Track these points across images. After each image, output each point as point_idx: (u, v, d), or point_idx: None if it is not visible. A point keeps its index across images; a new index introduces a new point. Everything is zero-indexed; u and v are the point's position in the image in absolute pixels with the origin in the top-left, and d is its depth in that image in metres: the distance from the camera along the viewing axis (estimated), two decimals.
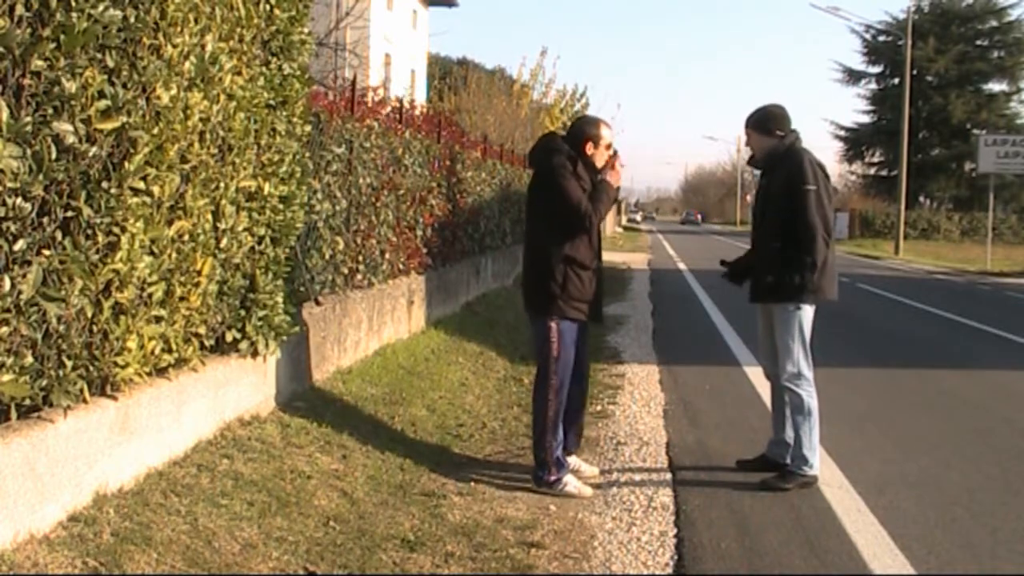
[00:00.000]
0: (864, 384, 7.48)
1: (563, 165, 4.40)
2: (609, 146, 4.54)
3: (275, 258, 4.61)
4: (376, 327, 6.90)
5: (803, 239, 4.51)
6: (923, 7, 46.53)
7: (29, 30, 2.68)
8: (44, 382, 2.93)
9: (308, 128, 4.94)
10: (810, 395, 4.62)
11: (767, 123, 4.76)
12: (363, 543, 3.54)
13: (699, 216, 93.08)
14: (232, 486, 3.72)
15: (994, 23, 46.73)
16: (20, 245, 2.71)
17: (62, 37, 2.77)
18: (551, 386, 4.44)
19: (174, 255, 3.62)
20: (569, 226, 4.37)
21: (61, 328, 2.96)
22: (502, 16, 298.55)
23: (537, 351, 4.57)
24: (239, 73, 4.10)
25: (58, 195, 2.88)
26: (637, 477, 4.76)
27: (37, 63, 2.72)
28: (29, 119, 2.66)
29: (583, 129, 4.55)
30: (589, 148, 4.48)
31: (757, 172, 5.01)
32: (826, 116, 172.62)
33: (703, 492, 4.50)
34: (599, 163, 4.52)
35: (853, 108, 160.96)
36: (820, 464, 4.64)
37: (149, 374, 3.54)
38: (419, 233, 8.05)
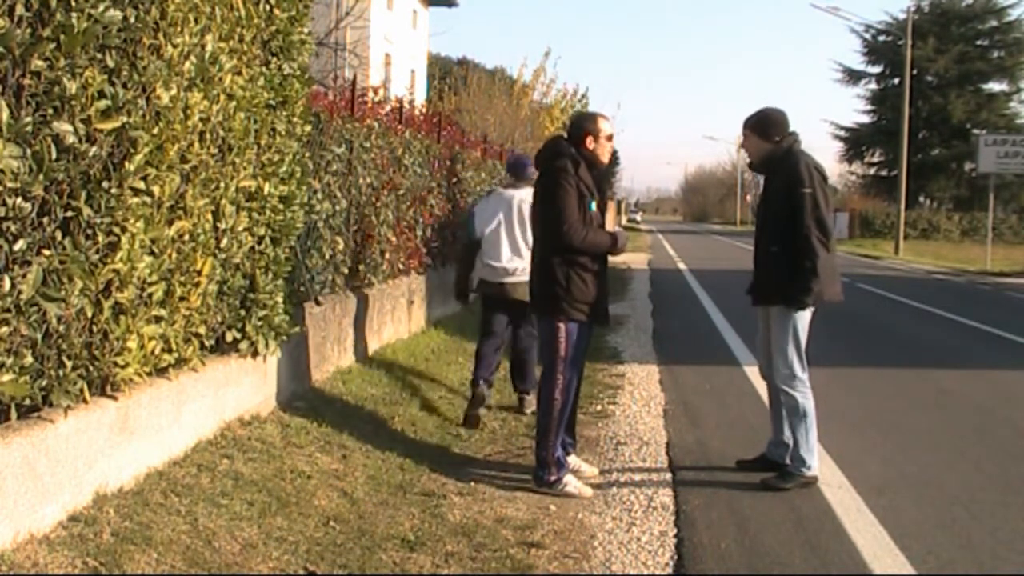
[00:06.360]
0: (864, 384, 7.48)
1: (564, 169, 4.40)
2: (610, 137, 4.55)
3: (275, 258, 4.61)
4: (376, 327, 6.90)
5: (799, 243, 4.50)
6: (923, 7, 46.41)
7: (29, 30, 2.68)
8: (44, 382, 2.93)
9: (308, 128, 4.95)
10: (805, 396, 4.62)
11: (765, 128, 4.73)
12: (363, 543, 3.54)
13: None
14: (232, 486, 3.72)
15: (994, 23, 46.60)
16: (20, 245, 2.72)
17: (62, 37, 2.78)
18: (557, 385, 4.44)
19: (174, 255, 3.62)
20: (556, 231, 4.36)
21: (61, 328, 2.96)
22: (502, 16, 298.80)
23: (543, 351, 4.57)
24: (239, 73, 4.10)
25: (58, 195, 2.88)
26: (637, 477, 4.76)
27: (37, 63, 2.72)
28: (29, 119, 2.66)
29: (581, 125, 4.57)
30: (590, 143, 4.49)
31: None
32: (826, 116, 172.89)
33: (703, 492, 4.50)
34: (603, 156, 4.53)
35: (853, 108, 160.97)
36: (820, 464, 4.64)
37: (149, 374, 3.54)
38: (419, 233, 8.05)
